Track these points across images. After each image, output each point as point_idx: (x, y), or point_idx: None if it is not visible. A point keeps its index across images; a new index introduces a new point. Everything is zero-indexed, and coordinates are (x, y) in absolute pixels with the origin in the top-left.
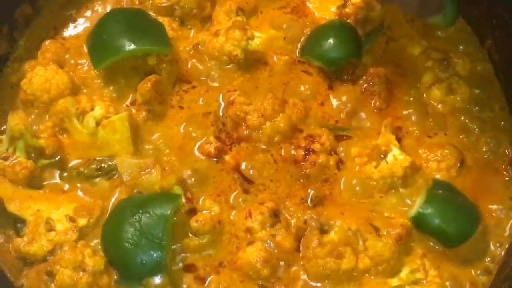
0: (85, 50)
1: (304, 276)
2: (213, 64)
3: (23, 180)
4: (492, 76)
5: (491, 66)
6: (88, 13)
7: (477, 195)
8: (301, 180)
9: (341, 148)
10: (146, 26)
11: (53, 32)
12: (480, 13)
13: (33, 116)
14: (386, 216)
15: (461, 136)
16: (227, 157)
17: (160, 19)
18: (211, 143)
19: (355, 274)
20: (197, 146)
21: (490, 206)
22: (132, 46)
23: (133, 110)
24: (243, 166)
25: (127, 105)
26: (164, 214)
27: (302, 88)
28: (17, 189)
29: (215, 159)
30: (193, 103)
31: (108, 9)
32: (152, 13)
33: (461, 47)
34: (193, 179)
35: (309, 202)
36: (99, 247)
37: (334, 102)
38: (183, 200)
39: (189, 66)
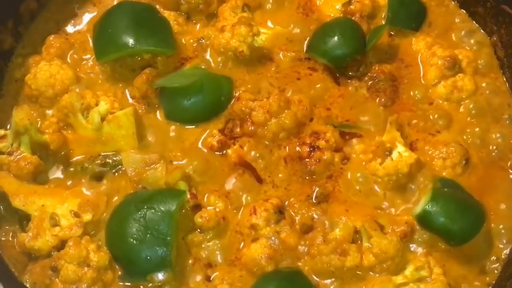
0: (90, 45)
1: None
2: (218, 60)
3: (28, 175)
4: (498, 73)
5: (496, 62)
6: (92, 8)
7: (482, 193)
8: (306, 177)
9: (346, 145)
10: (152, 24)
11: (57, 27)
12: (486, 10)
13: (37, 111)
14: (391, 213)
15: (466, 134)
16: (229, 151)
17: (166, 13)
18: (214, 136)
19: (359, 271)
20: (201, 140)
21: (495, 204)
22: (136, 46)
23: (134, 104)
24: (248, 162)
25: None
26: (169, 210)
27: (307, 85)
28: (22, 184)
29: (218, 153)
30: None
31: (114, 2)
32: (158, 7)
33: (466, 44)
34: (197, 174)
35: (313, 199)
36: (104, 243)
37: (339, 99)
38: (188, 196)
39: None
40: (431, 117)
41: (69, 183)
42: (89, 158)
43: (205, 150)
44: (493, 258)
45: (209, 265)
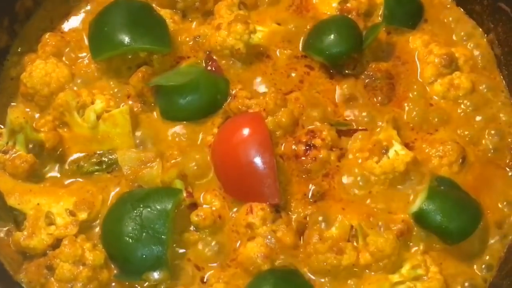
0: (86, 43)
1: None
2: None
3: (23, 174)
4: (495, 71)
5: (493, 60)
6: (88, 7)
7: (479, 191)
8: (302, 175)
9: (343, 143)
10: (148, 22)
11: (53, 25)
12: (483, 7)
13: (33, 110)
14: (387, 211)
15: (463, 132)
16: None
17: (162, 11)
18: (213, 135)
19: (356, 269)
20: (199, 138)
21: (491, 202)
22: (132, 44)
23: (130, 102)
24: None
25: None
26: (165, 209)
27: (304, 83)
28: (17, 182)
29: None
30: None
31: (109, 0)
32: (154, 5)
33: (463, 42)
34: (193, 173)
35: (310, 198)
36: (99, 241)
37: (336, 97)
38: (184, 194)
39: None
40: (427, 115)
41: (64, 181)
42: (85, 156)
43: (202, 148)
44: (490, 256)
45: (205, 263)
